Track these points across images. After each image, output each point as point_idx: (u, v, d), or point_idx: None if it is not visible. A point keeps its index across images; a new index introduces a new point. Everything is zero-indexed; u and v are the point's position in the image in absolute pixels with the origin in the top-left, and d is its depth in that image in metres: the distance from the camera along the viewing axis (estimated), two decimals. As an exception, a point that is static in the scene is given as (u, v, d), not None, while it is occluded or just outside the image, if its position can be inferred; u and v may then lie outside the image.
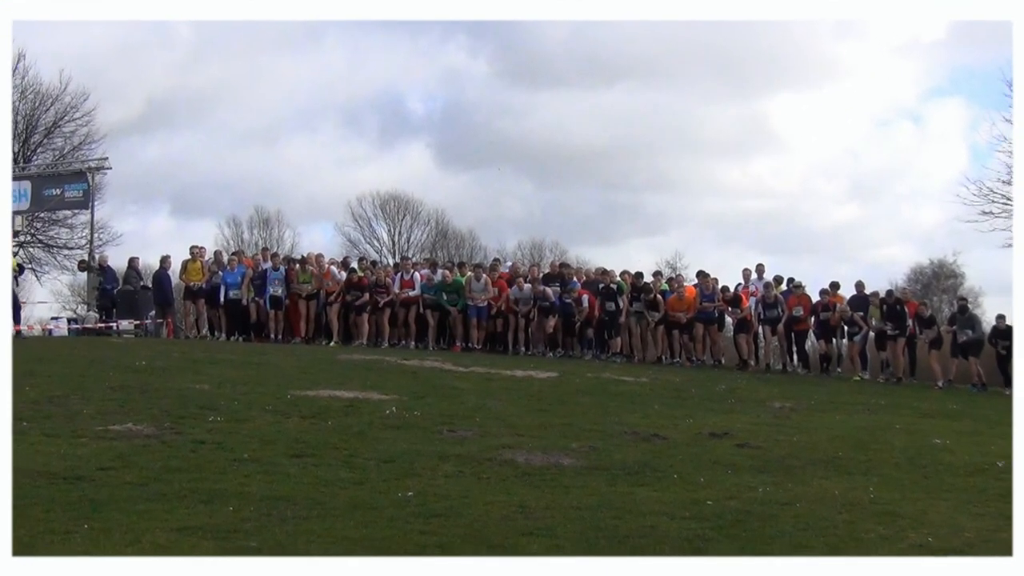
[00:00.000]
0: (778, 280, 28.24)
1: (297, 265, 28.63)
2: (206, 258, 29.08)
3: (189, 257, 28.80)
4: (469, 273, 28.53)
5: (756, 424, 15.67)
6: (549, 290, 27.64)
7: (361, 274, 28.33)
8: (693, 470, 11.63)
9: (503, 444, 12.62)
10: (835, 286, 27.58)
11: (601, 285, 27.97)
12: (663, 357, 27.93)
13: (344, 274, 28.42)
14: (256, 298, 27.88)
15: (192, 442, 11.85)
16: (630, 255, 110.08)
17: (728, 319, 28.58)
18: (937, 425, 16.81)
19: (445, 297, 27.66)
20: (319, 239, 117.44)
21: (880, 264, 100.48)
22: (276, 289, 27.75)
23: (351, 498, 9.63)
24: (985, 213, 38.02)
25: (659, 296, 27.81)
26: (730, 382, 21.96)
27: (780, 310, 27.21)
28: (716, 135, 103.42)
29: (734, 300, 27.69)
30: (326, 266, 28.64)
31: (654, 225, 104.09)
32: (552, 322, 27.62)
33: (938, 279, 68.32)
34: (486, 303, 27.74)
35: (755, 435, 14.38)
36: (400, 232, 75.27)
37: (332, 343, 27.23)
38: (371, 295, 27.68)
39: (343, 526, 8.63)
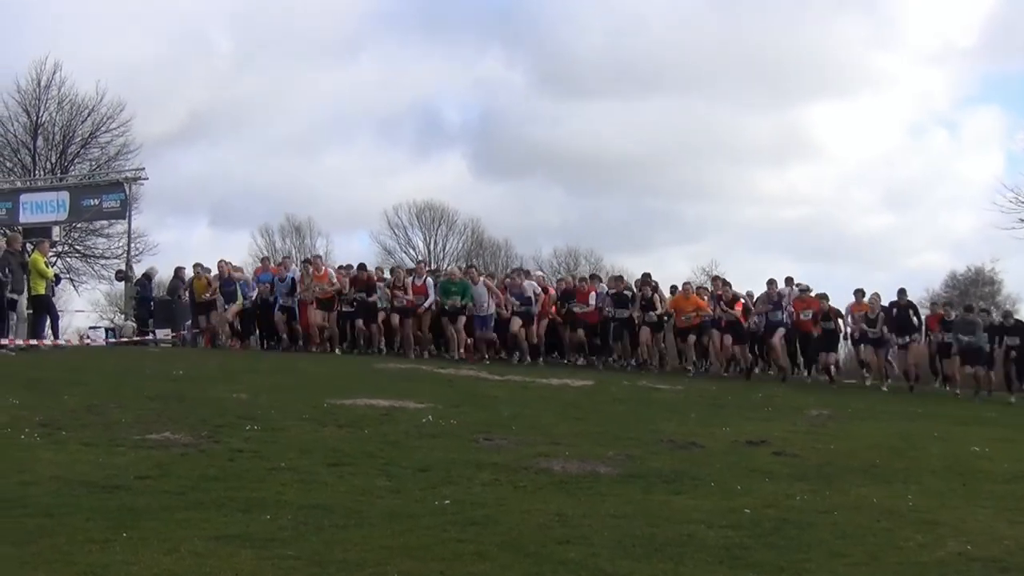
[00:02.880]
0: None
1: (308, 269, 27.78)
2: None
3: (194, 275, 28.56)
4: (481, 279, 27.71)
5: (793, 432, 15.62)
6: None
7: (370, 272, 27.71)
8: (730, 478, 11.59)
9: (539, 452, 12.61)
10: (860, 293, 26.75)
11: (612, 291, 27.59)
12: (680, 363, 27.63)
13: (341, 282, 27.19)
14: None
15: (230, 451, 11.89)
16: (666, 263, 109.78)
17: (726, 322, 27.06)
18: (975, 433, 16.74)
19: (449, 297, 26.42)
20: (356, 248, 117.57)
21: (916, 271, 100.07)
22: (286, 297, 27.24)
23: (388, 506, 9.64)
24: (1023, 220, 37.88)
25: (656, 294, 27.19)
26: (767, 390, 21.91)
27: (784, 316, 26.80)
28: (752, 143, 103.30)
29: (730, 303, 26.98)
30: (323, 268, 27.91)
31: (690, 233, 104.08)
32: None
33: (976, 286, 67.98)
34: (491, 311, 26.90)
35: (792, 443, 14.34)
36: (436, 241, 75.50)
37: (338, 351, 26.68)
38: (392, 292, 26.65)
39: (380, 534, 8.63)
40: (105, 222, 43.29)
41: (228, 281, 27.78)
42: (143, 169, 37.80)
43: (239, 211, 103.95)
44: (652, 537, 8.92)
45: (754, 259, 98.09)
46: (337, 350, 26.67)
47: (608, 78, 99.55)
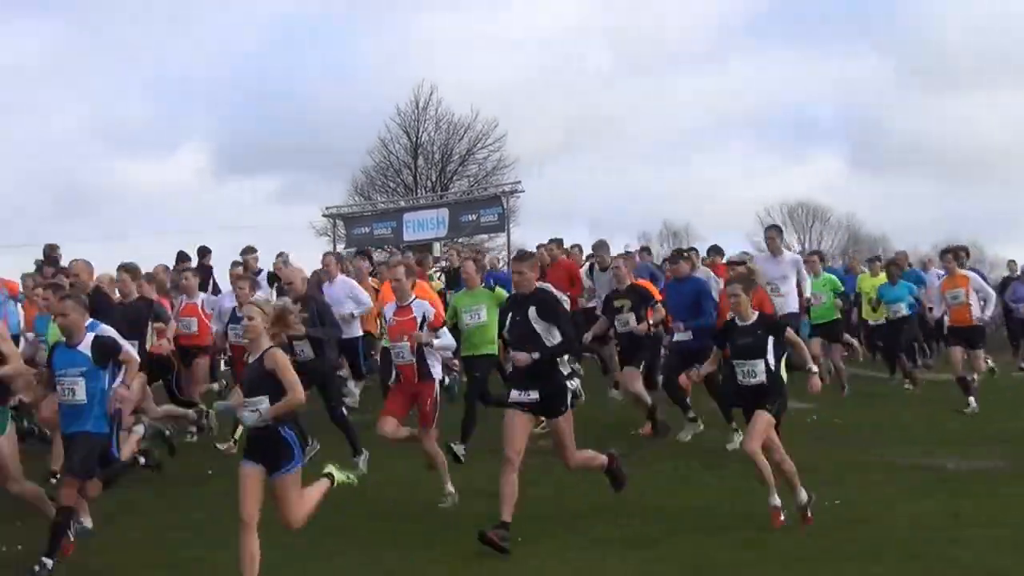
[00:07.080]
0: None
1: None
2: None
3: None
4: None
5: None
6: None
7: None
8: None
9: (925, 451, 12.18)
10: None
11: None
12: None
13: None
14: None
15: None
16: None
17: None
18: None
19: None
20: (730, 251, 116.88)
21: None
22: None
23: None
24: None
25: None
26: None
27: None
28: None
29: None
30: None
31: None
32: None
33: None
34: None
35: None
36: (811, 239, 74.27)
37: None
38: None
39: (761, 536, 8.67)
40: (484, 236, 44.49)
41: None
42: (519, 182, 38.54)
43: (615, 217, 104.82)
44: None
45: None
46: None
47: (980, 68, 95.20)
